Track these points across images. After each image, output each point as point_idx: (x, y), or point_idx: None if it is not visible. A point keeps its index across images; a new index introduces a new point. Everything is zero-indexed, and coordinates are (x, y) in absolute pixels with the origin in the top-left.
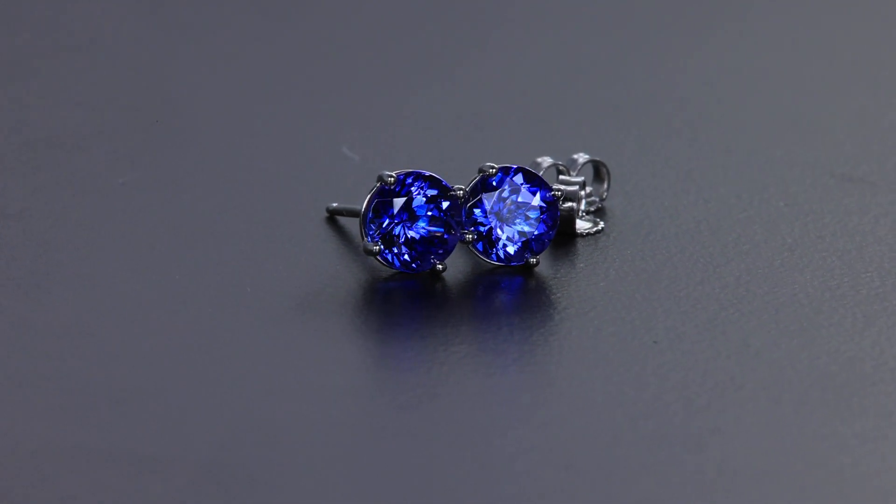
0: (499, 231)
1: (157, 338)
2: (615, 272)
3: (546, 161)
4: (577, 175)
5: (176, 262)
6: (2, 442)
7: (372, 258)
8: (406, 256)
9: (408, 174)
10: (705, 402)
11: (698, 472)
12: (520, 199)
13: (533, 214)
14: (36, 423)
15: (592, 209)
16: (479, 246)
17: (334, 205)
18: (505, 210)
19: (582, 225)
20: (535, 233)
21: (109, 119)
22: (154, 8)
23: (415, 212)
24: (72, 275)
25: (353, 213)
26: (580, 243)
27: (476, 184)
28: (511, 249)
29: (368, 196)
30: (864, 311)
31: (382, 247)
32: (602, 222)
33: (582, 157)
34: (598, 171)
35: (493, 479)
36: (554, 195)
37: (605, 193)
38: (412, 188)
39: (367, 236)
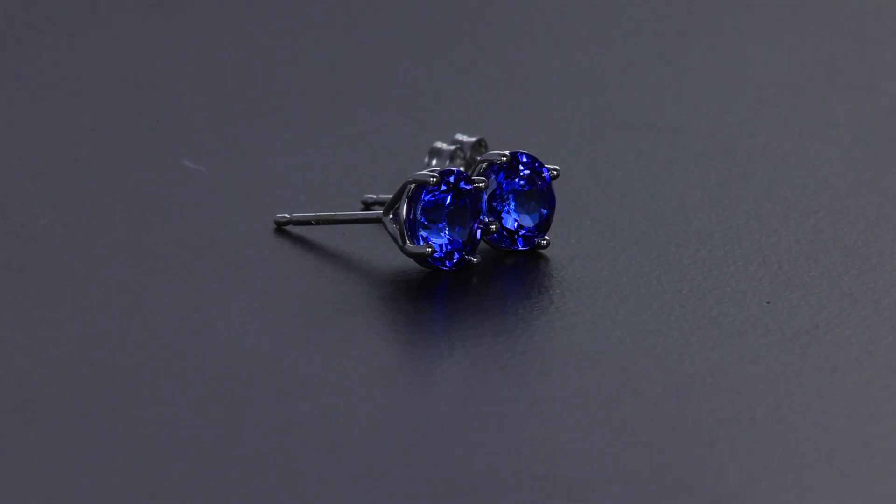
0: (512, 218)
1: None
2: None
3: (443, 145)
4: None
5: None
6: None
7: (407, 258)
8: (456, 257)
9: (446, 173)
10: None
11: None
12: (526, 184)
13: (539, 196)
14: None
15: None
16: (496, 236)
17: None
18: (514, 196)
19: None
20: (545, 213)
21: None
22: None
23: (456, 215)
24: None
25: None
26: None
27: (486, 173)
28: (526, 235)
29: (407, 197)
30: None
31: (430, 250)
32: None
33: (465, 137)
34: (479, 149)
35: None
36: (552, 173)
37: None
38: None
39: (414, 239)
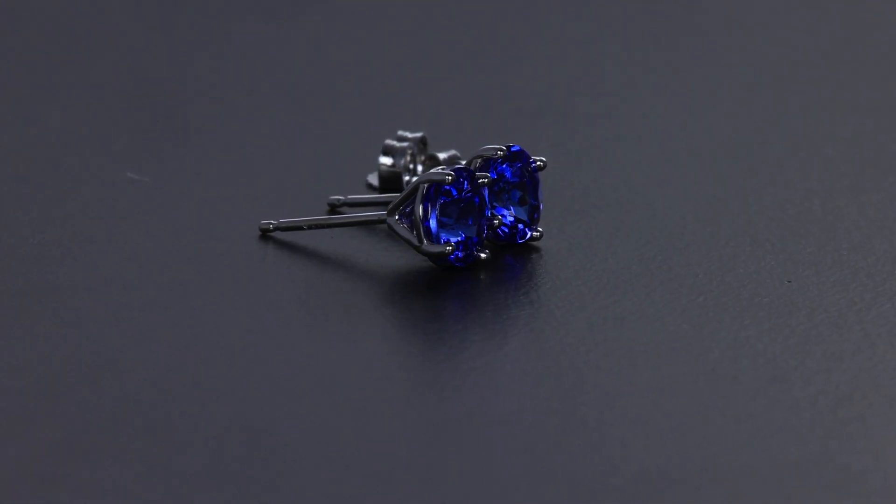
0: (511, 211)
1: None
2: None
3: (396, 143)
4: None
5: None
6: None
7: (422, 256)
8: (469, 253)
9: (460, 171)
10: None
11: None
12: (518, 177)
13: (529, 188)
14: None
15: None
16: (500, 230)
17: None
18: (510, 189)
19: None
20: (535, 204)
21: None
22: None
23: (468, 211)
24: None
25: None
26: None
27: (484, 167)
28: (522, 228)
29: (423, 196)
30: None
31: (450, 248)
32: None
33: (409, 133)
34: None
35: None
36: (538, 165)
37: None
38: (464, 187)
39: (433, 238)
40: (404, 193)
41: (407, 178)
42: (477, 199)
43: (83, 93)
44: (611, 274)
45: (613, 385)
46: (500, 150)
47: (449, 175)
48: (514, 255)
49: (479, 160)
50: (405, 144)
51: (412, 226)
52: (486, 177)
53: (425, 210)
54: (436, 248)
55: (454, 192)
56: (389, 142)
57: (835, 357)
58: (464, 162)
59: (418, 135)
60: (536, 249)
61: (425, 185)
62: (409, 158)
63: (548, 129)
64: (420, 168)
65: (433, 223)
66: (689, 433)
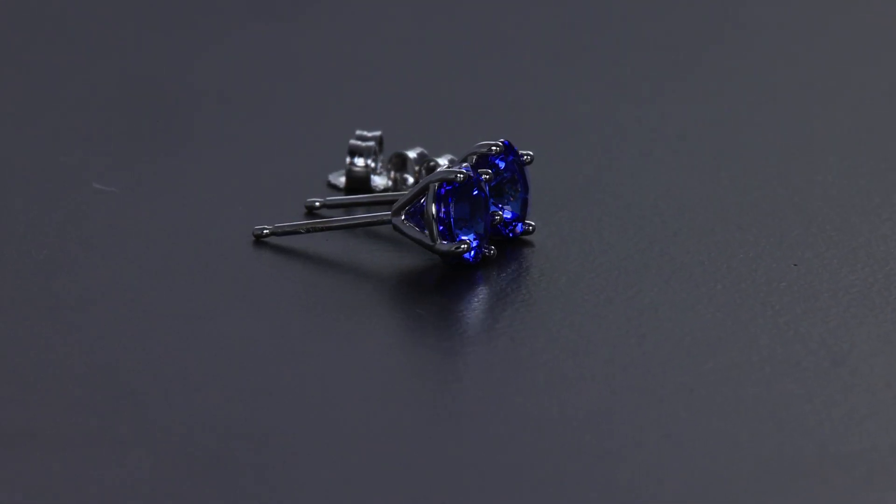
0: (508, 207)
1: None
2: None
3: (361, 143)
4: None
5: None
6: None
7: (422, 256)
8: (479, 250)
9: (469, 169)
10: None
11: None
12: (510, 171)
13: (521, 182)
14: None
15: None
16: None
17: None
18: (505, 184)
19: (378, 181)
20: (525, 197)
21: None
22: None
23: (476, 209)
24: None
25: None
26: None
27: (483, 163)
28: (517, 222)
29: (435, 195)
30: None
31: (465, 246)
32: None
33: (367, 133)
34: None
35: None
36: (525, 159)
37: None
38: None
39: (448, 237)
40: (411, 193)
41: (378, 178)
42: (483, 196)
43: (69, 98)
44: (618, 265)
45: (675, 376)
46: (497, 145)
47: (461, 173)
48: (510, 249)
49: (474, 156)
50: (372, 144)
51: (423, 225)
52: (487, 173)
53: (438, 209)
54: (451, 247)
55: (473, 191)
56: (355, 142)
57: (884, 339)
58: (446, 161)
59: (377, 133)
60: (529, 244)
61: (436, 184)
62: (374, 157)
63: (505, 124)
64: (379, 166)
65: (450, 222)
66: (784, 422)
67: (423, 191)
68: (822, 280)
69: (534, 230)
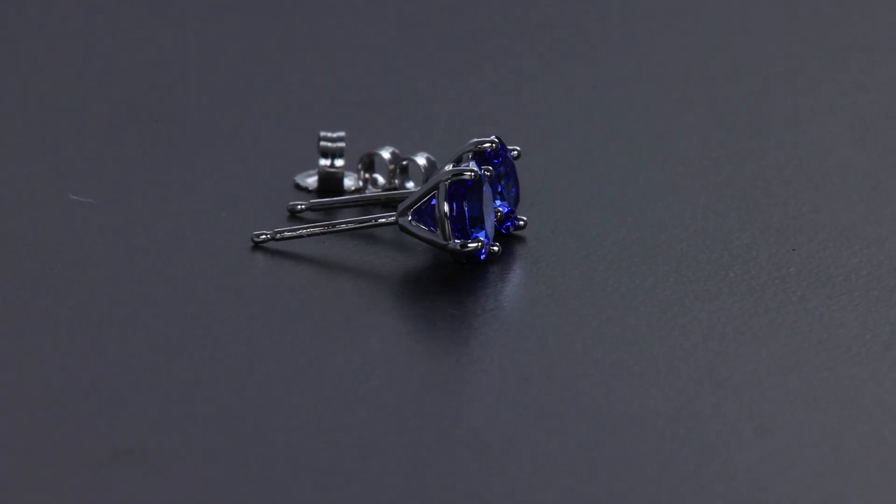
0: (505, 203)
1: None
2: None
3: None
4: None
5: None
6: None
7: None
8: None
9: (478, 167)
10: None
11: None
12: (503, 167)
13: (512, 178)
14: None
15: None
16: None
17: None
18: (500, 180)
19: (348, 182)
20: (515, 192)
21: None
22: None
23: (487, 206)
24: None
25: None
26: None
27: (479, 161)
28: (511, 217)
29: (446, 194)
30: None
31: (479, 244)
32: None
33: (331, 133)
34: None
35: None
36: (514, 154)
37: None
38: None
39: (464, 235)
40: (418, 193)
41: (347, 179)
42: (489, 194)
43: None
44: (620, 258)
45: (741, 365)
46: (493, 141)
47: (472, 172)
48: (505, 245)
49: (470, 153)
50: (342, 145)
51: (432, 224)
52: (489, 170)
53: (452, 207)
54: (467, 246)
55: (482, 188)
56: (325, 143)
57: None
58: (423, 160)
59: (341, 133)
60: (521, 239)
61: (447, 183)
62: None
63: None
64: (339, 163)
65: (465, 220)
66: (854, 407)
67: (432, 191)
68: (830, 265)
69: (525, 225)
